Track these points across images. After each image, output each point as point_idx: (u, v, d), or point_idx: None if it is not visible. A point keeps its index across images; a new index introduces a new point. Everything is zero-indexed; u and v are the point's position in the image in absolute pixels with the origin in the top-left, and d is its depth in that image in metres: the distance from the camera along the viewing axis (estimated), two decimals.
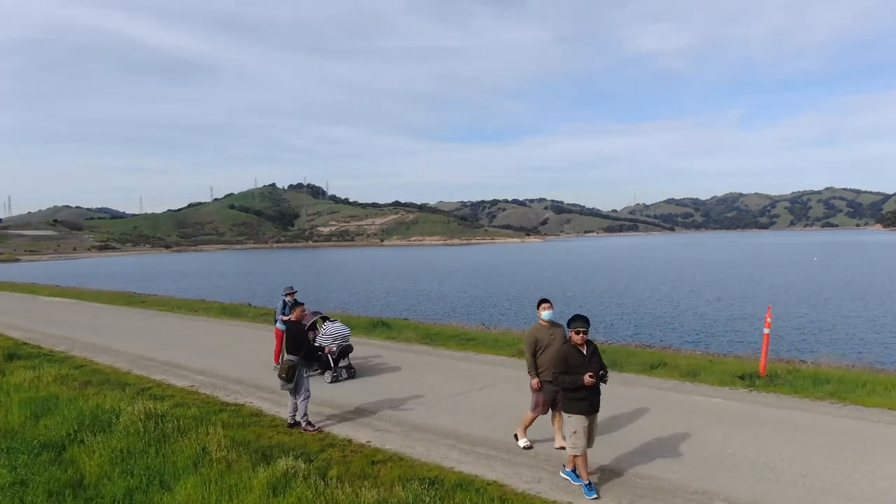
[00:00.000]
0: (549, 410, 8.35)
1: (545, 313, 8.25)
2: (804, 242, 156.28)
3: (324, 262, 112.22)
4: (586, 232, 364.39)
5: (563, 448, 7.91)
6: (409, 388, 11.83)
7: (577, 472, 7.18)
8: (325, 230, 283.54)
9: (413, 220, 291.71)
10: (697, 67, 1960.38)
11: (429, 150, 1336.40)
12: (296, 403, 9.63)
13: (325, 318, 13.60)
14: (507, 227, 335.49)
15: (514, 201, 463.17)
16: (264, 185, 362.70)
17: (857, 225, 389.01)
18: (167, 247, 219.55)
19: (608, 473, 7.59)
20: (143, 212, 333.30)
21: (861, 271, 57.88)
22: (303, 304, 10.81)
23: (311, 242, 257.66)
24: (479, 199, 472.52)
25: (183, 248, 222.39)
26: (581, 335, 7.03)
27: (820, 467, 7.58)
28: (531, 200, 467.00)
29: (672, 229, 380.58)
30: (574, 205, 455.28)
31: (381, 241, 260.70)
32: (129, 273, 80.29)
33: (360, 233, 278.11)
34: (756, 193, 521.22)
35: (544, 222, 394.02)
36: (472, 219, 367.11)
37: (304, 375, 9.65)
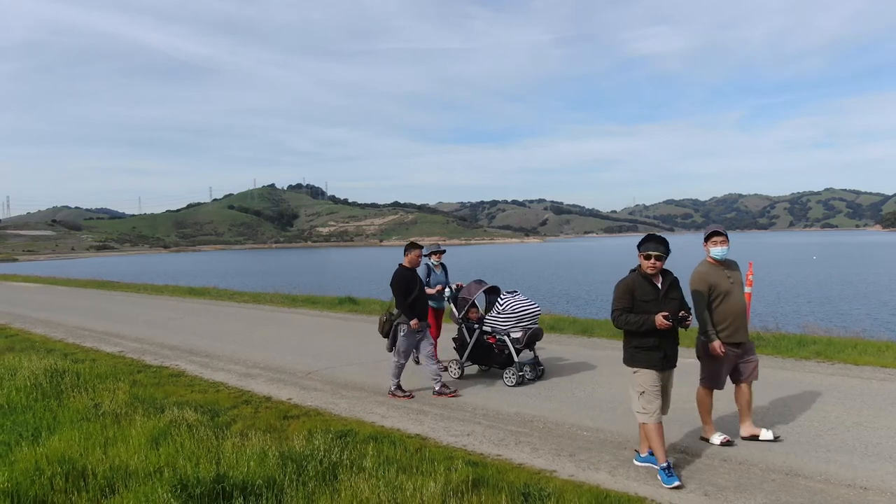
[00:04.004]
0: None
1: (716, 250, 5.87)
2: (803, 243, 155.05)
3: (321, 261, 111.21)
4: (586, 233, 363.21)
5: (756, 437, 5.90)
6: (350, 351, 10.79)
7: (652, 448, 5.22)
8: (325, 230, 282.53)
9: (412, 220, 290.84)
10: (697, 69, 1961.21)
11: (429, 151, 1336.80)
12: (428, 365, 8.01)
13: (493, 290, 9.08)
14: (507, 227, 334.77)
15: (514, 202, 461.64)
16: (263, 186, 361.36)
17: (857, 226, 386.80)
18: (166, 247, 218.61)
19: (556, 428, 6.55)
20: (142, 212, 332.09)
21: (861, 270, 56.73)
22: (421, 246, 8.40)
23: (309, 243, 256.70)
24: (479, 200, 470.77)
25: (182, 248, 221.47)
26: (653, 261, 5.17)
27: (798, 419, 6.53)
28: (530, 201, 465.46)
29: (671, 230, 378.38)
30: (573, 206, 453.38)
31: (380, 241, 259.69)
32: (123, 272, 79.03)
33: (360, 233, 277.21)
34: (755, 194, 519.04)
35: (544, 223, 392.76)
36: (471, 219, 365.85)
37: (403, 334, 7.84)
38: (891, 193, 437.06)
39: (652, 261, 5.15)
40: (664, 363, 5.20)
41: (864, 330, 13.77)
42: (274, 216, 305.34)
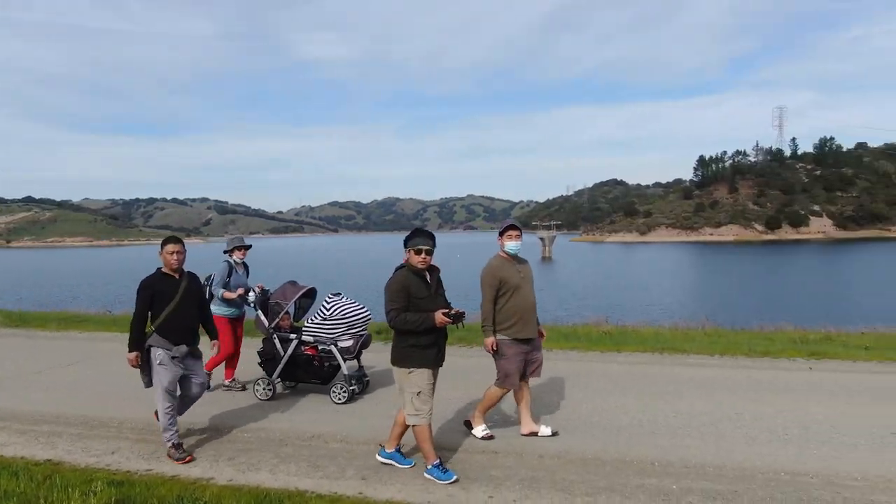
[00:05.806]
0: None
1: (510, 244, 5.86)
2: (450, 243, 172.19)
3: None
4: (251, 233, 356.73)
5: (535, 433, 5.85)
6: None
7: (421, 449, 5.11)
8: None
9: (50, 218, 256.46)
10: (364, 78, 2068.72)
11: (74, 141, 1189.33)
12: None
13: (310, 293, 7.78)
14: (166, 227, 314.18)
15: (174, 200, 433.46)
16: None
17: (492, 228, 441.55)
18: None
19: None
20: None
21: None
22: (177, 240, 5.81)
23: None
24: (134, 198, 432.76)
25: None
26: (423, 256, 5.07)
27: (698, 412, 6.88)
28: (193, 200, 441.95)
29: (336, 231, 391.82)
30: (239, 205, 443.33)
31: (8, 242, 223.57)
32: None
33: None
34: (411, 198, 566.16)
35: (207, 223, 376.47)
36: (124, 218, 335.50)
37: (160, 362, 5.56)
38: (517, 200, 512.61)
39: (423, 256, 5.07)
40: (437, 359, 5.13)
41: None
42: None
